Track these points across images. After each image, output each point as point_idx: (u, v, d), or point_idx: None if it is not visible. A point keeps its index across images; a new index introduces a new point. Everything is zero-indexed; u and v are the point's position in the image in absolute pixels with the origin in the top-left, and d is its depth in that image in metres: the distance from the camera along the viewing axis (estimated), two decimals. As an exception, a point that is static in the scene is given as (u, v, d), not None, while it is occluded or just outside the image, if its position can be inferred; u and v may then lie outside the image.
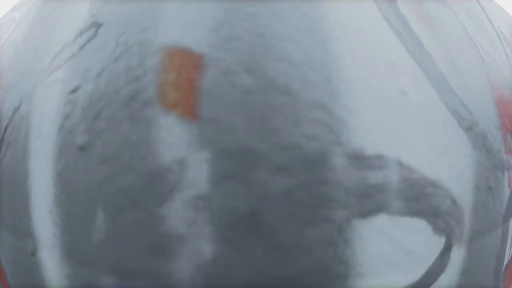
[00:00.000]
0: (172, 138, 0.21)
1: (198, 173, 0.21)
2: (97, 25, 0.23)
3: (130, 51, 0.22)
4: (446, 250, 0.24)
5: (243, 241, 0.21)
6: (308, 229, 0.21)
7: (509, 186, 0.27)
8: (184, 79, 0.22)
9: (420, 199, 0.23)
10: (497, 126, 0.26)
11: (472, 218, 0.25)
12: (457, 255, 0.25)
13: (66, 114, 0.23)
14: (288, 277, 0.22)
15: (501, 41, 0.28)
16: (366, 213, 0.22)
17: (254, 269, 0.21)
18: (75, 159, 0.22)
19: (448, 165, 0.24)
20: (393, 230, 0.22)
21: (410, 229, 0.23)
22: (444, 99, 0.24)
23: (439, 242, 0.24)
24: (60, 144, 0.23)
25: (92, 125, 0.22)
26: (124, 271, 0.22)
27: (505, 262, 0.28)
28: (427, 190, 0.23)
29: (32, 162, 0.24)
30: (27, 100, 0.24)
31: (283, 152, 0.21)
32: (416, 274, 0.24)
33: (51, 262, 0.24)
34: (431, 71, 0.24)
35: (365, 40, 0.23)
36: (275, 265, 0.21)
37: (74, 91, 0.23)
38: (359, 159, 0.22)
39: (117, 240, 0.22)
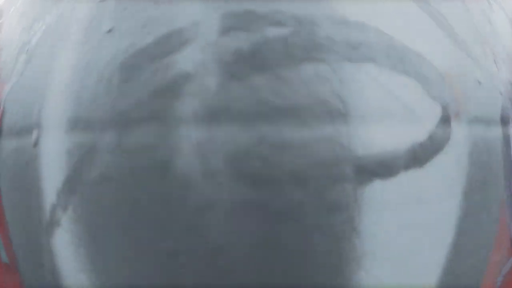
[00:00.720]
0: (189, 9, 0.25)
1: (209, 28, 0.24)
2: None
3: None
4: (446, 119, 0.25)
5: (246, 73, 0.23)
6: (303, 65, 0.23)
7: (500, 94, 0.28)
8: None
9: (406, 63, 0.25)
10: (477, 41, 0.29)
11: (465, 101, 0.26)
12: (460, 132, 0.25)
13: (94, 15, 0.27)
14: (288, 108, 0.22)
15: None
16: (355, 59, 0.24)
17: (256, 99, 0.22)
18: (99, 41, 0.26)
19: (429, 47, 0.26)
20: (386, 81, 0.24)
21: (403, 84, 0.24)
22: (417, 2, 0.28)
23: (436, 107, 0.25)
24: (86, 35, 0.26)
25: (118, 14, 0.26)
26: (128, 120, 0.23)
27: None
28: (411, 57, 0.25)
29: (56, 59, 0.27)
30: (55, 20, 0.28)
31: (278, 13, 0.24)
32: (418, 133, 0.24)
33: (52, 141, 0.25)
34: None
35: None
36: (276, 95, 0.22)
37: (102, 0, 0.27)
38: (342, 22, 0.25)
39: (126, 89, 0.24)
